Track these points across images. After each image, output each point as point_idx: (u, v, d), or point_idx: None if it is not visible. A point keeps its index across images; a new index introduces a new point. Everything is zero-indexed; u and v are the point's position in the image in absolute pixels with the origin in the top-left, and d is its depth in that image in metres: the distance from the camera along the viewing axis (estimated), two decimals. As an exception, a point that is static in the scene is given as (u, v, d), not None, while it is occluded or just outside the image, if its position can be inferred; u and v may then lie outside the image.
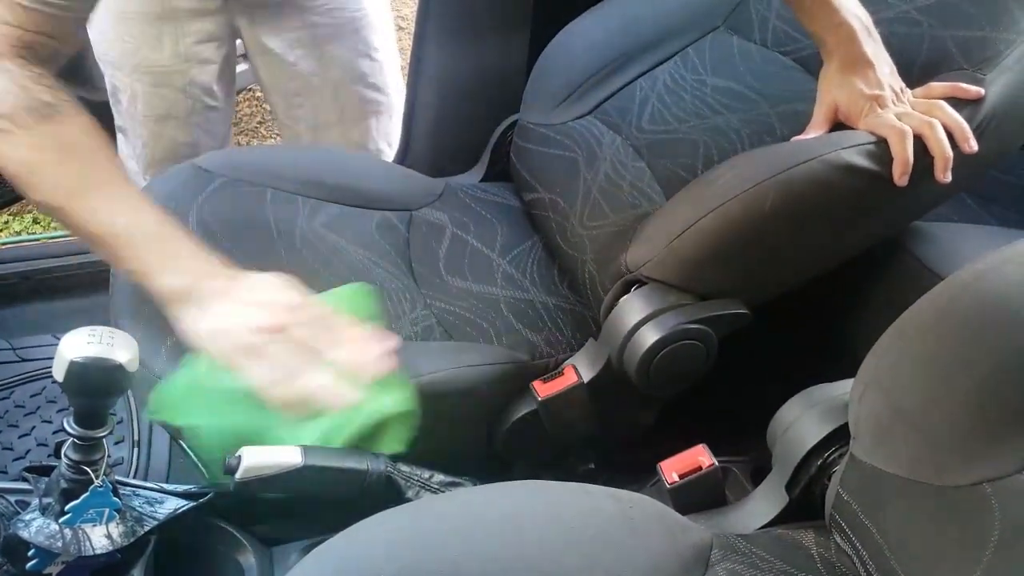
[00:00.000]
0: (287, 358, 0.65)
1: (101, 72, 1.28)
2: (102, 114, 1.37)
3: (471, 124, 1.14)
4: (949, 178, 0.74)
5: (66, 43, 0.73)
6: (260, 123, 2.23)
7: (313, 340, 0.67)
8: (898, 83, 0.79)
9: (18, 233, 1.94)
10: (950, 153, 0.73)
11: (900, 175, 0.73)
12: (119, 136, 1.33)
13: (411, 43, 1.19)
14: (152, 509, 0.79)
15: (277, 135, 2.02)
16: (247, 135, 2.20)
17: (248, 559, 0.83)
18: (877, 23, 0.83)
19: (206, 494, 0.84)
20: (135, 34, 1.18)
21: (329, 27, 1.22)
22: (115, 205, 0.70)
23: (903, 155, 0.73)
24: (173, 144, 1.28)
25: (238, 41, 1.29)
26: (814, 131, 0.81)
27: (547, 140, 1.03)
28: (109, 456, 0.73)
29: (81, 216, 0.69)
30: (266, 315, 0.67)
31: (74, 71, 1.36)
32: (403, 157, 1.23)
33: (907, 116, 0.75)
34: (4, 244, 1.80)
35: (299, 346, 0.66)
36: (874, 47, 0.79)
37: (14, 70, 0.68)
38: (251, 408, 0.63)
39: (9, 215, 1.96)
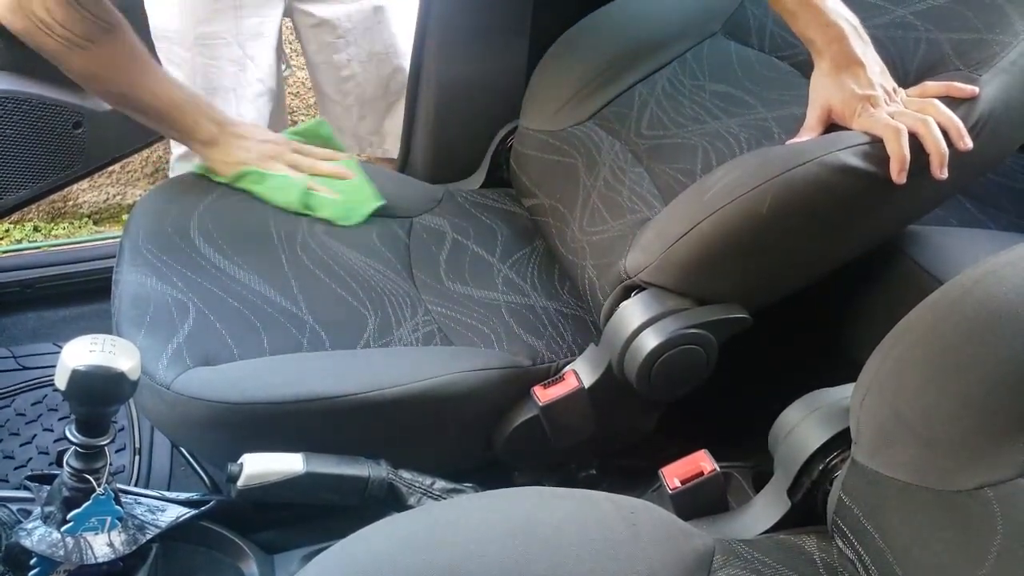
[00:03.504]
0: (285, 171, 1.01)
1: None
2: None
3: (471, 130, 1.15)
4: (946, 174, 0.74)
5: None
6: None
7: (300, 162, 1.03)
8: (890, 82, 0.79)
9: (19, 241, 1.94)
10: (945, 149, 0.73)
11: (898, 172, 0.73)
12: None
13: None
14: (154, 517, 0.79)
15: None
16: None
17: (250, 566, 0.83)
18: (873, 28, 0.84)
19: (208, 502, 0.85)
20: (196, 7, 1.21)
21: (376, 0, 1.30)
22: (155, 92, 0.97)
23: (899, 153, 0.73)
24: None
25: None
26: (808, 133, 0.81)
27: (547, 146, 1.04)
28: (111, 464, 0.73)
29: (146, 98, 0.96)
30: (266, 148, 1.01)
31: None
32: (403, 164, 1.23)
33: (901, 114, 0.75)
34: (5, 252, 1.80)
35: (292, 166, 1.02)
36: (863, 47, 0.79)
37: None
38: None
39: (10, 223, 1.96)
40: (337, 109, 1.39)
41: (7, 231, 1.96)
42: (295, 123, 2.14)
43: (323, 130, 1.07)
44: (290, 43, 1.45)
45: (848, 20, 0.79)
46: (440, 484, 0.81)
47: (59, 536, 0.71)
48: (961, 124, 0.74)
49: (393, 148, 1.40)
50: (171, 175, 1.40)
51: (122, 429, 1.05)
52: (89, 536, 0.72)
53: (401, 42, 1.34)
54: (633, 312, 0.81)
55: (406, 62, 1.32)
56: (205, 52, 1.24)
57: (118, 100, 0.97)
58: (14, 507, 0.78)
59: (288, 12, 1.32)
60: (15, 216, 1.93)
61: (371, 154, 1.46)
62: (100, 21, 0.88)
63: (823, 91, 0.80)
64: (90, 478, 0.71)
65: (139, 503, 0.81)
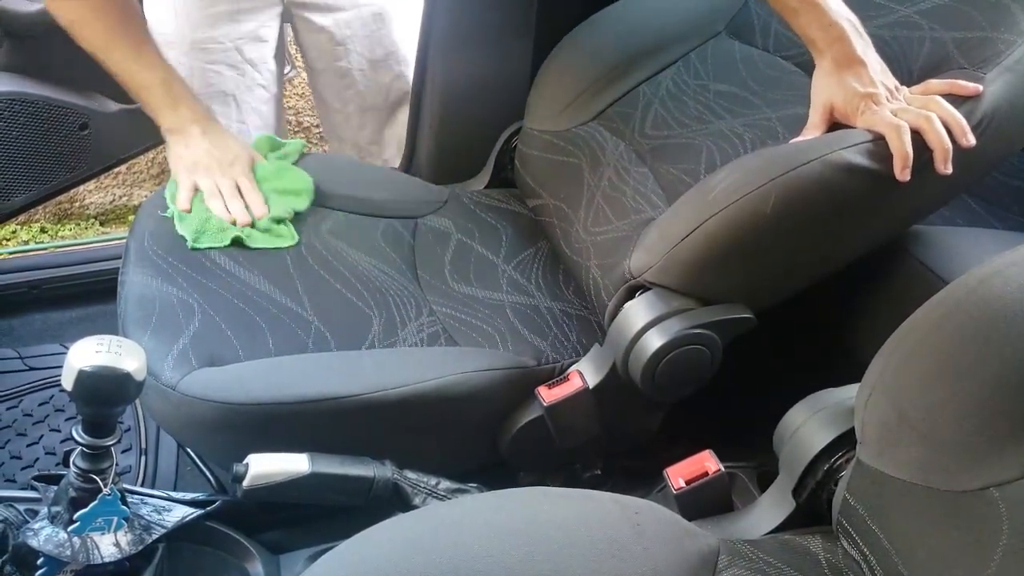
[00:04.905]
0: (215, 190, 0.97)
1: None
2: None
3: (475, 131, 1.15)
4: (950, 169, 0.74)
5: None
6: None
7: (231, 189, 0.98)
8: (891, 80, 0.79)
9: (25, 243, 1.95)
10: (948, 144, 0.73)
11: (901, 169, 0.73)
12: None
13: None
14: (160, 517, 0.79)
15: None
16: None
17: (256, 567, 0.83)
18: (879, 27, 0.83)
19: (213, 502, 0.85)
20: (192, 11, 1.21)
21: (375, 5, 1.29)
22: (134, 60, 0.98)
23: (902, 150, 0.73)
24: (226, 123, 1.31)
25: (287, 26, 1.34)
26: (811, 132, 0.81)
27: (551, 146, 1.04)
28: (117, 464, 0.74)
29: (111, 66, 0.98)
30: (212, 171, 0.97)
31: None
32: (408, 165, 1.23)
33: (903, 111, 0.75)
34: (11, 254, 1.81)
35: (225, 188, 0.98)
36: (864, 46, 0.79)
37: None
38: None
39: (16, 224, 1.97)
40: (337, 117, 1.39)
41: (14, 232, 1.97)
42: (300, 124, 2.14)
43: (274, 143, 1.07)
44: (295, 44, 1.45)
45: (849, 19, 0.79)
46: (445, 484, 0.81)
47: (66, 536, 0.71)
48: (964, 120, 0.74)
49: (393, 158, 1.39)
50: None
51: (128, 429, 1.06)
52: (95, 536, 0.72)
53: (401, 49, 1.33)
54: (637, 312, 0.81)
55: (406, 70, 1.32)
56: (203, 57, 1.24)
57: (100, 62, 0.98)
58: (21, 507, 0.79)
59: (288, 18, 1.32)
60: (22, 217, 1.94)
61: (371, 163, 1.46)
62: None
63: (825, 90, 0.80)
64: (96, 478, 0.71)
65: (145, 503, 0.81)
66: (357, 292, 0.93)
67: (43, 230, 2.00)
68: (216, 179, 0.97)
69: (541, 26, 1.11)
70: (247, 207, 0.97)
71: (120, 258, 0.95)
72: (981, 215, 1.03)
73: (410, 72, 1.28)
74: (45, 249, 1.85)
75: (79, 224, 2.04)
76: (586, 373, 0.85)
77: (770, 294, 0.83)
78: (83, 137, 1.37)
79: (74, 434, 0.70)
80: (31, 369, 1.15)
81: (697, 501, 0.73)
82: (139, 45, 0.98)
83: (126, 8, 0.98)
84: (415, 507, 0.78)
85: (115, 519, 0.73)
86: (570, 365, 0.87)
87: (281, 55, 1.35)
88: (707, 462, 0.74)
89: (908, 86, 0.80)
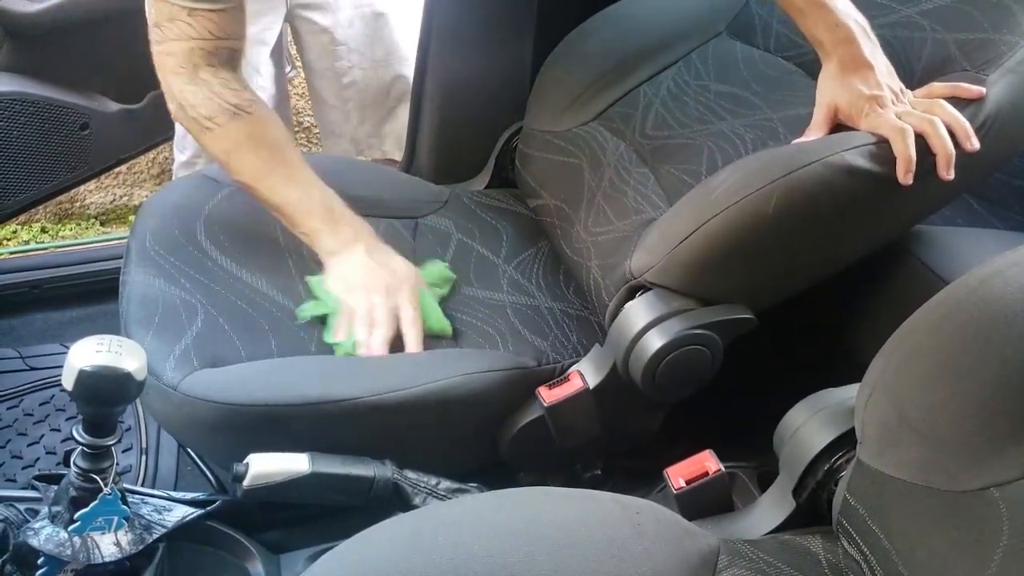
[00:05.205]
0: (369, 315, 0.87)
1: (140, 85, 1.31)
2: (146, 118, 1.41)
3: (476, 131, 1.15)
4: (952, 175, 0.74)
5: (239, 39, 0.90)
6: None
7: (388, 317, 0.88)
8: (897, 83, 0.79)
9: (26, 242, 1.96)
10: (952, 149, 0.73)
11: (904, 173, 0.73)
12: (176, 126, 1.35)
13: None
14: (160, 517, 0.80)
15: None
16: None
17: (256, 566, 0.83)
18: (880, 27, 0.83)
19: (214, 502, 0.85)
20: None
21: (376, 4, 1.31)
22: (290, 184, 0.90)
23: (905, 153, 0.73)
24: None
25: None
26: (814, 133, 0.81)
27: (551, 146, 1.04)
28: (117, 464, 0.74)
29: (265, 193, 0.90)
30: (373, 292, 0.88)
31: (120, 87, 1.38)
32: (408, 164, 1.23)
33: (907, 115, 0.75)
34: (12, 253, 1.81)
35: (380, 314, 0.87)
36: (872, 49, 0.79)
37: (208, 79, 0.87)
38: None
39: (17, 224, 1.98)
40: (336, 114, 1.40)
41: (14, 232, 1.97)
42: (300, 124, 2.15)
43: (444, 278, 0.96)
44: (294, 44, 1.46)
45: (857, 21, 0.79)
46: (445, 484, 0.81)
47: (66, 535, 0.72)
48: (968, 124, 0.74)
49: (392, 149, 1.40)
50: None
51: (129, 429, 1.06)
52: (96, 536, 0.73)
53: (402, 48, 1.34)
54: (638, 313, 0.81)
55: (407, 68, 1.33)
56: None
57: (251, 191, 0.91)
58: (22, 507, 0.79)
59: (289, 19, 1.32)
60: (22, 217, 1.95)
61: (370, 156, 1.46)
62: (227, 104, 0.87)
63: (830, 91, 0.80)
64: (97, 478, 0.71)
65: (145, 503, 0.81)
66: (358, 292, 0.93)
67: (44, 230, 2.00)
68: (375, 302, 0.87)
69: (541, 26, 1.11)
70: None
71: (120, 258, 0.96)
72: (982, 215, 1.03)
73: (410, 72, 1.28)
74: (45, 249, 1.85)
75: (79, 224, 2.04)
76: (586, 373, 0.85)
77: (771, 295, 0.83)
78: (84, 137, 1.37)
79: (74, 434, 0.71)
80: (32, 369, 1.15)
81: (697, 501, 0.73)
82: (293, 169, 0.91)
83: (279, 134, 0.92)
84: (415, 507, 0.78)
85: (115, 519, 0.74)
86: (570, 365, 0.87)
87: (280, 56, 1.35)
88: (707, 462, 0.74)
89: (910, 87, 0.80)
